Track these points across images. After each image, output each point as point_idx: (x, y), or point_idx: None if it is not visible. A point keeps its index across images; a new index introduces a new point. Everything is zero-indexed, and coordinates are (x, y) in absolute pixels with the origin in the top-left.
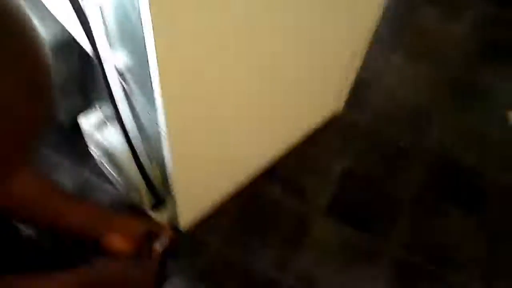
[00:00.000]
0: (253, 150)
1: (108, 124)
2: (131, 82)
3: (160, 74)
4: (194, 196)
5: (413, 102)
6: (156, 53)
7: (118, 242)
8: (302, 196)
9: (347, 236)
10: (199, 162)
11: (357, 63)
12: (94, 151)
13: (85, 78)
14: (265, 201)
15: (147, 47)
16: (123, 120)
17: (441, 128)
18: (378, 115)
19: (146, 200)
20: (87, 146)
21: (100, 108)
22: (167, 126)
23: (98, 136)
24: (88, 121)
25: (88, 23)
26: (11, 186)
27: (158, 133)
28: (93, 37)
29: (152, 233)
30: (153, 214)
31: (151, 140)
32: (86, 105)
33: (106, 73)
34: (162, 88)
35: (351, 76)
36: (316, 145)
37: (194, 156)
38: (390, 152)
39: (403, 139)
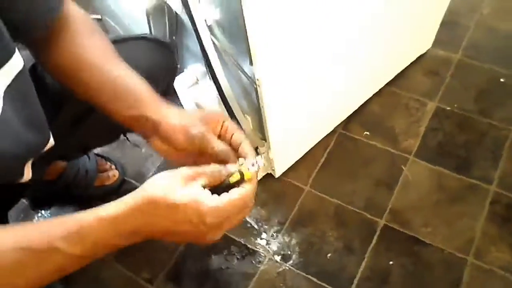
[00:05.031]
0: (344, 97)
1: (200, 82)
2: (221, 36)
3: (252, 23)
4: (287, 144)
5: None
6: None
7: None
8: (392, 138)
9: (442, 178)
10: (292, 110)
11: None
12: (188, 109)
13: (174, 42)
14: (354, 144)
15: None
16: (216, 74)
17: None
18: (472, 50)
19: None
20: (181, 106)
21: (190, 68)
22: (261, 76)
23: (191, 94)
24: (180, 82)
25: None
26: None
27: (251, 84)
28: None
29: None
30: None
31: (243, 92)
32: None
33: (198, 28)
34: (255, 37)
35: (442, 9)
36: (405, 86)
37: (288, 105)
38: (487, 88)
39: (504, 74)
